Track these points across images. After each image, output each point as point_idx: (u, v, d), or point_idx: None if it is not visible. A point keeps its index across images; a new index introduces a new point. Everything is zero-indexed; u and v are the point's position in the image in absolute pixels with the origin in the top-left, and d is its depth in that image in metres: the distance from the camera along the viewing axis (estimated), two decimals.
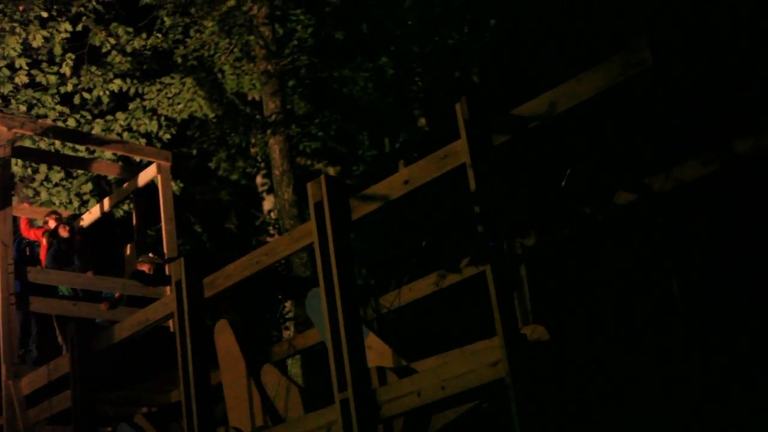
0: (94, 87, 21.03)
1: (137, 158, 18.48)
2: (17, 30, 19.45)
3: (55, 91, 20.47)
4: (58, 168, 20.22)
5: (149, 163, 16.37)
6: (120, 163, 19.18)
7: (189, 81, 21.87)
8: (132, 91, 21.39)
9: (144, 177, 16.25)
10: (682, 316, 8.64)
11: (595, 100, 7.99)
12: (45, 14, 19.90)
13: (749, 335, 8.42)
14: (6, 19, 19.32)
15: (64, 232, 15.25)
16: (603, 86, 7.88)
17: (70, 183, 20.81)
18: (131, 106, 21.46)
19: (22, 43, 19.67)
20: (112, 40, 21.30)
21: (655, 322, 8.98)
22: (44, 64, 20.27)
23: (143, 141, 21.18)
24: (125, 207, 20.11)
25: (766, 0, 14.56)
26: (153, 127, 21.46)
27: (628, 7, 16.75)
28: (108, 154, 19.26)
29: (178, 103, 21.81)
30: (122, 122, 21.23)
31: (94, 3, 20.93)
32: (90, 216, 17.52)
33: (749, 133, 8.27)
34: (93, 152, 19.44)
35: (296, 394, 10.10)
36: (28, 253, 15.18)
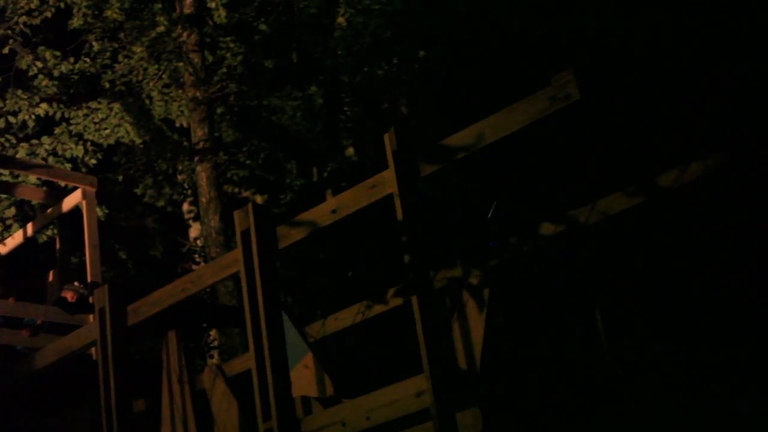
0: (20, 110, 20.78)
1: (62, 183, 18.25)
2: None
3: None
4: None
5: (74, 189, 16.17)
6: (44, 188, 18.93)
7: (116, 106, 21.70)
8: (58, 115, 21.18)
9: (69, 202, 16.03)
10: (606, 351, 8.72)
11: (522, 132, 8.07)
12: None
13: (672, 372, 8.52)
14: None
15: None
16: (529, 119, 7.97)
17: None
18: (57, 130, 21.22)
19: None
20: (39, 64, 21.08)
21: (580, 354, 9.05)
22: None
23: (69, 166, 20.94)
24: (49, 232, 19.85)
25: (690, 34, 14.82)
26: (79, 152, 21.23)
27: (556, 42, 16.96)
28: (32, 178, 19.02)
29: (105, 129, 21.62)
30: (47, 146, 20.98)
31: (22, 26, 20.73)
32: (13, 241, 17.24)
33: (674, 166, 8.41)
34: (17, 176, 19.18)
35: (234, 414, 10.01)
36: None
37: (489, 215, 9.90)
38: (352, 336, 11.81)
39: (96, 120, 21.59)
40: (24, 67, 21.11)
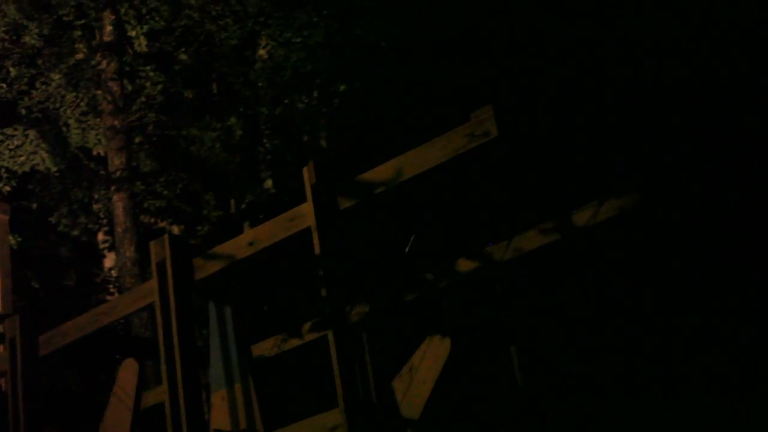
0: None
1: None
2: None
3: None
4: None
5: None
6: None
7: (32, 133, 21.42)
8: None
9: None
10: (520, 387, 8.78)
11: (441, 168, 8.13)
12: None
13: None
14: None
15: None
16: (448, 155, 8.03)
17: None
18: None
19: None
20: None
21: (493, 389, 9.10)
22: None
23: None
24: None
25: (608, 77, 15.08)
26: None
27: (477, 77, 17.12)
28: None
29: (20, 155, 21.32)
30: None
31: None
32: None
33: (588, 204, 8.53)
34: None
35: None
36: None
37: (407, 250, 9.95)
38: (274, 366, 11.76)
39: (11, 147, 21.29)
40: None
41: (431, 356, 8.35)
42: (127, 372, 10.59)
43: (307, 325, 10.49)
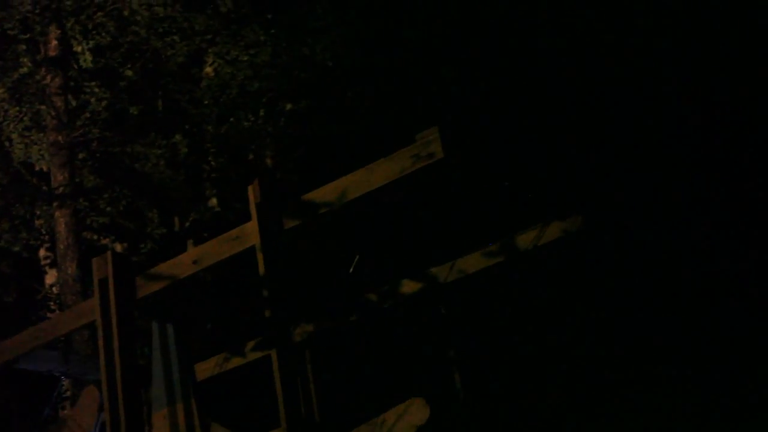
0: None
1: None
2: None
3: None
4: None
5: None
6: None
7: None
8: None
9: None
10: (466, 407, 8.82)
11: (386, 189, 8.15)
12: None
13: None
14: None
15: None
16: (392, 177, 8.05)
17: None
18: None
19: None
20: None
21: (437, 410, 9.12)
22: None
23: None
24: None
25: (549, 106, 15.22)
26: None
27: (425, 99, 17.22)
28: None
29: None
30: None
31: None
32: None
33: (531, 228, 8.59)
34: None
35: None
36: None
37: (351, 270, 9.96)
38: (218, 385, 11.70)
39: None
40: None
41: (407, 422, 8.30)
42: (88, 398, 10.52)
43: (250, 344, 10.46)
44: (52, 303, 23.45)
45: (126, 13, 21.45)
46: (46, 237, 23.96)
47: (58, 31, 20.80)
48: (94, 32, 21.57)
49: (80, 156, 21.92)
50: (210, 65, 22.04)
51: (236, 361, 10.74)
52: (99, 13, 21.48)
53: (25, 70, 20.49)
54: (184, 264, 8.74)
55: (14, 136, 21.50)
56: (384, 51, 18.14)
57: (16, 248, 24.73)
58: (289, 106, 20.60)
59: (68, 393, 19.41)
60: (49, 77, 20.49)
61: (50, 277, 24.71)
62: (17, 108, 20.92)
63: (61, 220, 19.61)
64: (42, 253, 24.98)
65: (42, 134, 21.20)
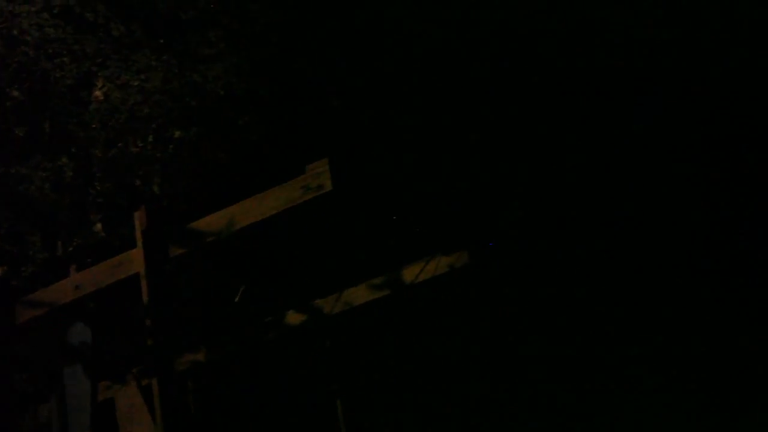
0: None
1: None
2: None
3: None
4: None
5: None
6: None
7: None
8: None
9: None
10: None
11: (275, 219, 8.13)
12: None
13: None
14: None
15: None
16: (281, 207, 8.06)
17: None
18: None
19: None
20: None
21: None
22: None
23: None
24: None
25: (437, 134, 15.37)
26: None
27: (317, 129, 17.25)
28: None
29: None
30: None
31: None
32: None
33: (417, 262, 8.65)
34: None
35: None
36: None
37: (236, 299, 9.90)
38: (100, 413, 11.49)
39: None
40: None
41: None
42: None
43: (133, 372, 10.32)
44: None
45: (15, 32, 21.12)
46: None
47: None
48: None
49: None
50: (100, 89, 21.77)
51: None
52: None
53: None
54: (66, 290, 8.61)
55: None
56: (277, 80, 18.15)
57: None
58: (178, 133, 20.45)
59: None
60: None
61: None
62: None
63: None
64: None
65: None
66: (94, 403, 8.86)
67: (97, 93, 22.26)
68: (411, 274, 8.54)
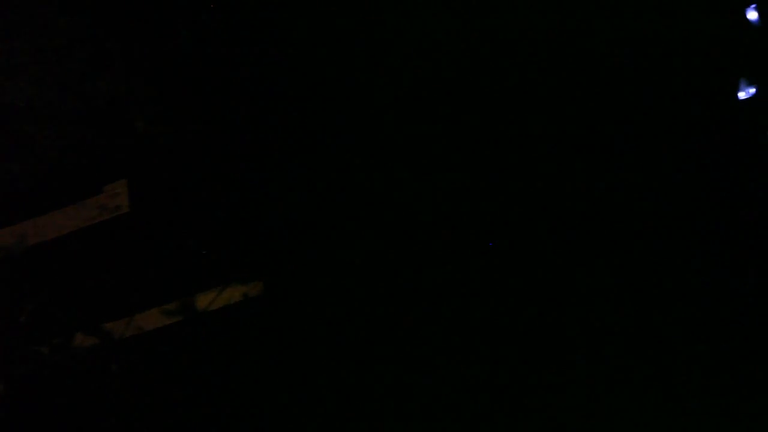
0: None
1: None
2: None
3: None
4: None
5: None
6: None
7: None
8: None
9: None
10: None
11: (69, 237, 7.95)
12: None
13: None
14: None
15: None
16: (77, 225, 7.89)
17: None
18: None
19: None
20: None
21: None
22: None
23: None
24: None
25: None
26: None
27: (119, 149, 16.94)
28: None
29: None
30: None
31: None
32: None
33: (212, 289, 8.59)
34: None
35: None
36: None
37: (21, 319, 9.60)
38: None
39: None
40: None
41: None
42: None
43: None
44: None
45: None
46: None
47: None
48: None
49: None
50: None
51: None
52: None
53: None
54: None
55: None
56: (81, 97, 17.79)
57: None
58: None
59: None
60: None
61: None
62: None
63: None
64: None
65: None
66: None
67: None
68: (205, 300, 8.47)
